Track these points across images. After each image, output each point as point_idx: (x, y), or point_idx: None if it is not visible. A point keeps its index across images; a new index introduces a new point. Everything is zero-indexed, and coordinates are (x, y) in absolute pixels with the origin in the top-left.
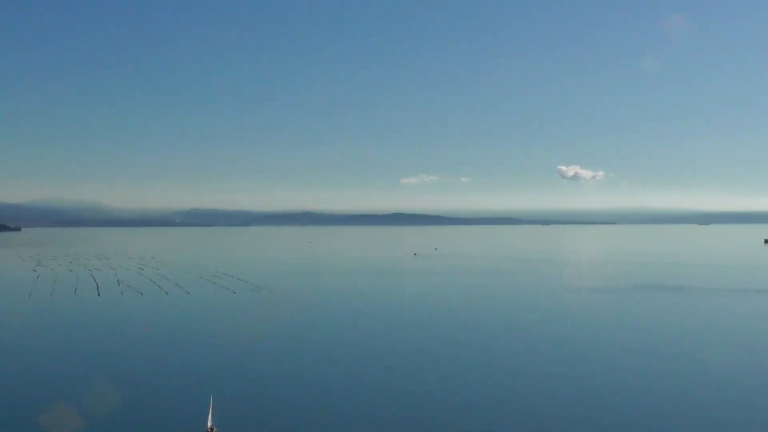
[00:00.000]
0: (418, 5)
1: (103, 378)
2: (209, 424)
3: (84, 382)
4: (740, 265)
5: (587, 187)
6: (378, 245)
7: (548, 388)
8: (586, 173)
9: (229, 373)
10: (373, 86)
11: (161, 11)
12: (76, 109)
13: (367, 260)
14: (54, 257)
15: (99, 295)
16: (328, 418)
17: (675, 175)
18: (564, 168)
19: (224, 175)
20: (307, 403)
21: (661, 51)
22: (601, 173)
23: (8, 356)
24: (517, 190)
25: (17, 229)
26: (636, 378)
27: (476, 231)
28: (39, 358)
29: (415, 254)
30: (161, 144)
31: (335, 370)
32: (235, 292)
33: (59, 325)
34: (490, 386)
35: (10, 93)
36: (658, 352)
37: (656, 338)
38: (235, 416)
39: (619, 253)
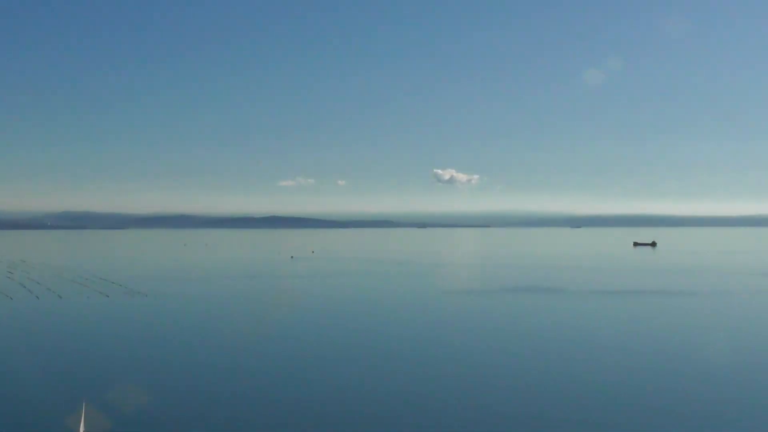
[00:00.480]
0: (294, 6)
1: None
2: (81, 430)
3: None
4: (611, 267)
5: (463, 191)
6: (255, 248)
7: (419, 389)
8: (461, 177)
9: (100, 378)
10: (249, 88)
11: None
12: None
13: (243, 263)
14: None
15: None
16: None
17: (548, 179)
18: (440, 171)
19: (97, 177)
20: (174, 400)
21: None
22: (476, 177)
23: None
24: (394, 193)
25: None
26: (511, 378)
27: (353, 234)
28: None
29: (292, 257)
30: (30, 143)
31: (203, 372)
32: (108, 296)
33: None
34: (354, 389)
35: None
36: (532, 353)
37: (529, 340)
38: (107, 423)
39: (493, 256)
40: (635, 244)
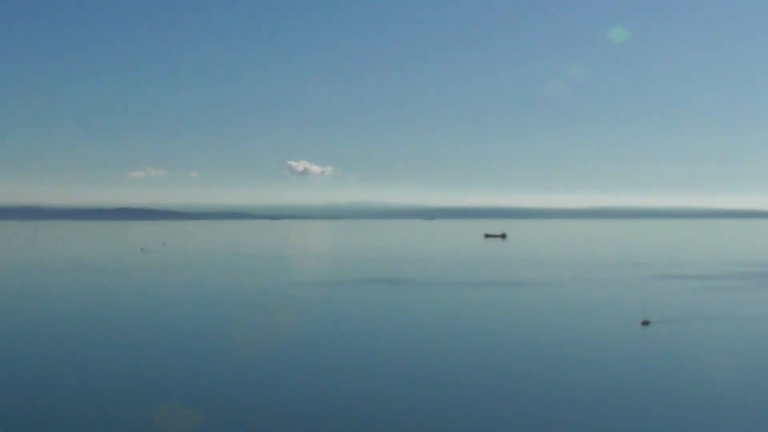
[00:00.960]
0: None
1: None
2: None
3: None
4: (462, 259)
5: (316, 182)
6: (103, 241)
7: (264, 377)
8: (315, 168)
9: None
10: (98, 75)
11: None
12: None
13: (90, 256)
14: None
15: None
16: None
17: (402, 171)
18: (294, 163)
19: None
20: None
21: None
22: (329, 169)
23: None
24: (247, 185)
25: None
26: (356, 365)
27: (206, 226)
28: None
29: (142, 250)
30: None
31: (27, 372)
32: None
33: None
34: (195, 383)
35: None
36: (383, 342)
37: (381, 332)
38: None
39: (346, 248)
40: (486, 235)
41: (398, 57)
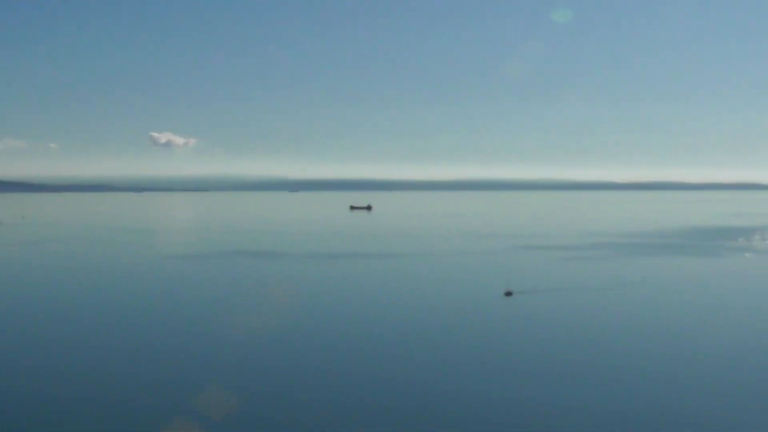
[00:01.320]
0: None
1: None
2: None
3: None
4: (328, 231)
5: (180, 154)
6: None
7: (117, 350)
8: (178, 140)
9: None
10: None
11: None
12: None
13: None
14: None
15: None
16: None
17: (267, 143)
18: (156, 134)
19: None
20: None
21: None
22: (193, 140)
23: None
24: (110, 156)
25: None
26: (224, 338)
27: (67, 199)
28: None
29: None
30: None
31: None
32: None
33: None
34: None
35: None
36: (252, 315)
37: (247, 302)
38: None
39: (211, 220)
40: (352, 207)
41: (259, 31)
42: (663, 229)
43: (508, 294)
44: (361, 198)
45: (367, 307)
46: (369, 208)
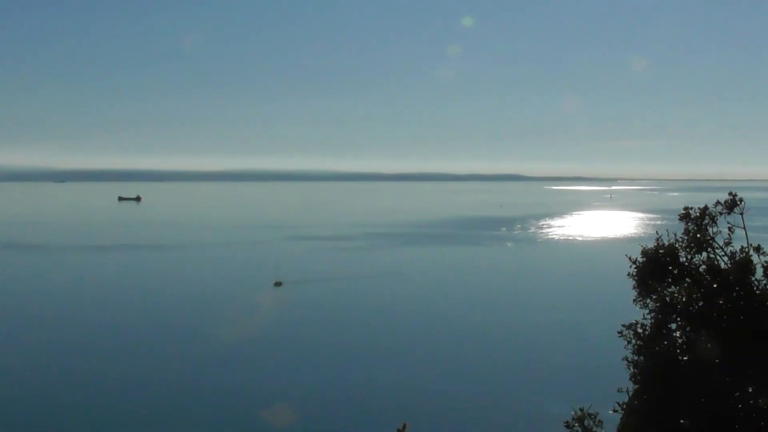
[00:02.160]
0: None
1: None
2: None
3: None
4: (96, 221)
5: None
6: None
7: None
8: None
9: None
10: None
11: None
12: None
13: None
14: None
15: None
16: None
17: (26, 131)
18: None
19: None
20: None
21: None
22: None
23: None
24: None
25: None
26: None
27: None
28: None
29: None
30: None
31: None
32: None
33: None
34: None
35: None
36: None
37: (17, 301)
38: None
39: None
40: (120, 198)
41: (39, 19)
42: (430, 219)
43: (278, 284)
44: (130, 188)
45: (135, 301)
46: (138, 198)
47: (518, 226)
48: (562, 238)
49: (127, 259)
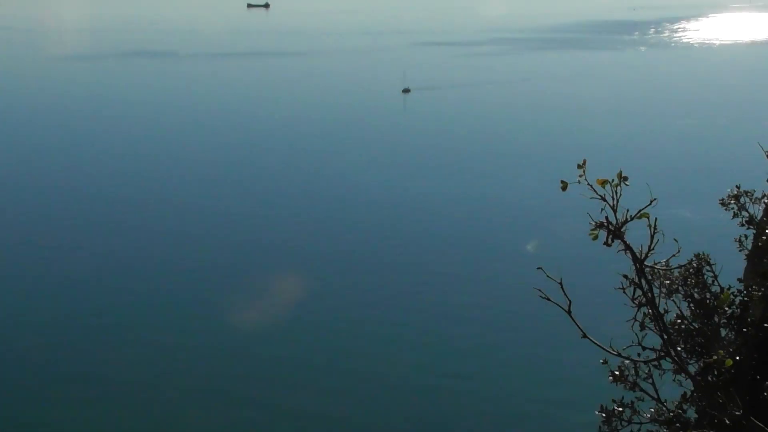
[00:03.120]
0: None
1: None
2: None
3: None
4: (225, 29)
5: None
6: None
7: None
8: None
9: None
10: None
11: None
12: None
13: None
14: None
15: None
16: None
17: None
18: None
19: None
20: None
21: None
22: None
23: None
24: None
25: None
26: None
27: None
28: None
29: None
30: None
31: None
32: None
33: None
34: None
35: None
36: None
37: (142, 111)
38: None
39: (117, 20)
40: (249, 5)
41: None
42: (560, 23)
43: (406, 91)
44: None
45: (268, 106)
46: (267, 5)
47: (652, 29)
48: (698, 42)
49: (255, 67)
